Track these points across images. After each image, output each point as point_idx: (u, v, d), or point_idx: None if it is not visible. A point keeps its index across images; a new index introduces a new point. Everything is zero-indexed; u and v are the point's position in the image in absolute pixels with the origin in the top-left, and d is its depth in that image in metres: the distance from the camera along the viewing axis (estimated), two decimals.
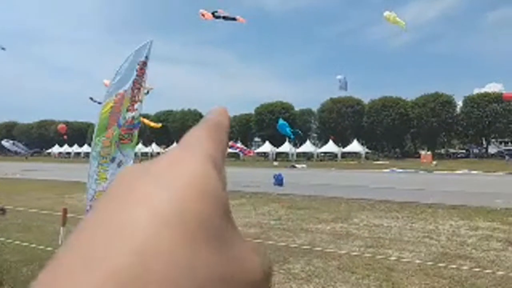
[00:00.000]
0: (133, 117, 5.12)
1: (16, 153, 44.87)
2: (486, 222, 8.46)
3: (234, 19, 12.05)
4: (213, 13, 12.31)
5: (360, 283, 4.59)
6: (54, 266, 0.17)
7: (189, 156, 0.23)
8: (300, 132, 67.20)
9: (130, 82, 4.99)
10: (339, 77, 22.28)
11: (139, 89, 5.10)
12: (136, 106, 5.11)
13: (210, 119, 0.30)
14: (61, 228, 4.84)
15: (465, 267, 5.03)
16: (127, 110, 5.08)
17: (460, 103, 68.88)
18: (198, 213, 0.19)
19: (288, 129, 25.79)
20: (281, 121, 25.94)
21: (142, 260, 0.16)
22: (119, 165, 5.11)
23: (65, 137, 73.82)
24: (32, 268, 5.18)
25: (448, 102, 67.48)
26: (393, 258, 5.57)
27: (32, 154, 44.60)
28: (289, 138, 44.62)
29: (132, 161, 5.27)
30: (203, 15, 12.36)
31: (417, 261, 5.38)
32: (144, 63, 5.09)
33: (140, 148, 70.75)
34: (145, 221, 0.18)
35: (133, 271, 0.16)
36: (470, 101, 66.68)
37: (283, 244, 6.42)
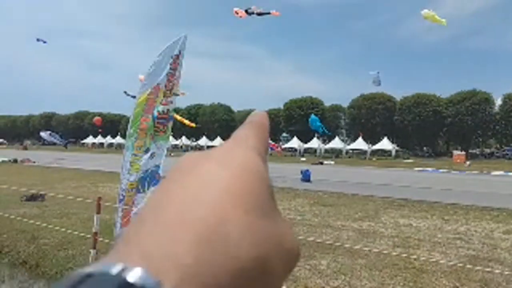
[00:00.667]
0: (167, 110, 5.26)
1: (53, 144, 46.86)
2: None
3: (268, 13, 12.00)
4: (246, 11, 12.33)
5: (388, 283, 4.55)
6: (142, 222, 0.21)
7: (240, 147, 0.28)
8: (328, 131, 66.48)
9: (164, 75, 5.12)
10: (372, 72, 21.82)
11: (173, 82, 5.22)
12: (170, 99, 5.24)
13: (254, 121, 0.35)
14: (95, 216, 5.06)
15: (496, 271, 4.88)
16: (161, 103, 5.22)
17: (499, 101, 65.87)
18: (253, 189, 0.23)
19: (318, 124, 25.65)
20: (313, 116, 25.85)
21: (217, 220, 0.20)
22: (152, 156, 5.27)
23: (100, 130, 76.28)
24: (67, 253, 5.45)
25: (486, 100, 64.72)
26: (422, 258, 5.47)
27: (66, 145, 46.23)
28: (318, 133, 44.21)
29: (165, 153, 5.42)
30: (237, 12, 12.40)
31: (447, 263, 5.26)
32: (178, 57, 5.20)
33: (170, 140, 72.10)
34: (213, 192, 0.22)
35: (213, 229, 0.20)
36: (509, 99, 63.69)
37: (309, 239, 6.42)
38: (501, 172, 29.34)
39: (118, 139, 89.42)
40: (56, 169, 21.33)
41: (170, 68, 5.20)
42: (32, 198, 9.89)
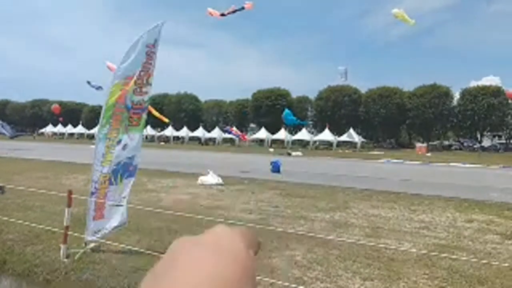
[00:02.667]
0: (142, 100, 5.10)
1: (2, 134, 44.69)
2: (481, 215, 8.59)
3: (242, 8, 11.87)
4: (221, 14, 12.18)
5: (362, 272, 4.67)
6: None
7: (230, 235, 0.32)
8: (306, 122, 67.11)
9: (139, 65, 4.95)
10: (340, 67, 22.14)
11: (148, 72, 5.06)
12: (145, 89, 5.08)
13: (243, 230, 0.38)
14: (66, 209, 4.85)
15: (463, 258, 5.12)
16: (135, 93, 5.05)
17: (457, 95, 68.95)
18: (241, 279, 0.28)
19: (292, 118, 25.76)
20: (287, 110, 25.94)
21: None
22: (124, 148, 5.11)
23: (60, 118, 73.02)
24: (35, 248, 5.21)
25: (445, 94, 67.53)
26: (392, 248, 5.65)
27: (13, 137, 44.02)
28: (294, 125, 44.51)
29: (140, 144, 5.27)
30: (211, 14, 12.19)
31: (416, 252, 5.47)
32: (153, 46, 5.04)
33: None
34: (200, 277, 0.26)
35: None
36: (467, 93, 66.78)
37: (283, 231, 6.48)
38: (459, 164, 30.83)
39: (80, 129, 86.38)
40: (13, 160, 20.30)
41: (145, 58, 5.03)
42: None
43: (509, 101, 52.23)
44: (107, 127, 4.88)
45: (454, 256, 5.25)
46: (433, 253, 5.34)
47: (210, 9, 12.31)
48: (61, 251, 4.80)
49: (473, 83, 70.96)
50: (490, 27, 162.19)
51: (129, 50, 4.84)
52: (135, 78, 4.94)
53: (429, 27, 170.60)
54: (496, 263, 5.01)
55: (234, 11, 11.91)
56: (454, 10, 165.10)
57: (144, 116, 5.25)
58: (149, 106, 5.51)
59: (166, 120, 24.39)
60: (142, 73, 5.01)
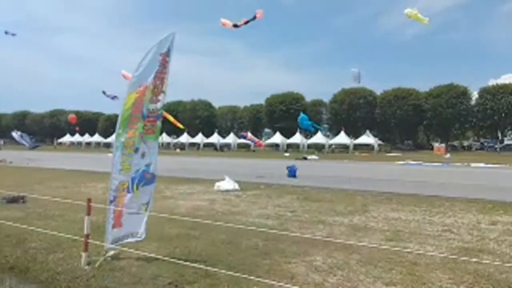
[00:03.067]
0: (156, 108, 5.14)
1: (22, 144, 45.88)
2: (506, 217, 8.36)
3: (254, 18, 12.05)
4: (234, 25, 12.38)
5: (384, 277, 4.57)
6: None
7: None
8: (321, 127, 66.94)
9: (154, 73, 5.00)
10: (354, 69, 21.97)
11: (162, 80, 5.10)
12: (159, 97, 5.13)
13: None
14: (86, 217, 4.91)
15: (489, 262, 4.96)
16: (150, 102, 5.09)
17: (475, 95, 67.53)
18: None
19: (308, 123, 25.68)
20: (302, 114, 25.90)
21: None
22: (142, 156, 5.16)
23: (77, 128, 74.37)
24: (57, 256, 5.27)
25: (463, 94, 66.32)
26: (414, 252, 5.53)
27: (33, 148, 45.10)
28: (309, 131, 44.41)
29: (156, 152, 5.30)
30: (224, 24, 12.37)
31: (439, 255, 5.33)
32: (167, 55, 5.08)
33: None
34: None
35: None
36: (485, 92, 65.39)
37: (302, 236, 6.42)
38: (481, 164, 30.12)
39: (97, 138, 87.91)
40: (34, 169, 20.77)
41: (159, 66, 5.08)
42: (13, 200, 9.56)
43: None
44: (124, 136, 4.93)
45: (479, 260, 5.11)
46: (458, 257, 5.20)
47: (223, 20, 12.46)
48: (82, 259, 4.85)
49: (492, 82, 69.46)
50: (506, 25, 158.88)
51: (143, 59, 4.90)
52: (150, 86, 4.99)
53: (444, 26, 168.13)
54: None
55: (246, 22, 12.04)
56: (468, 8, 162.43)
57: (159, 123, 5.29)
58: (164, 112, 5.54)
59: (181, 125, 24.62)
60: (156, 82, 5.05)
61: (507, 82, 66.60)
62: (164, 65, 5.09)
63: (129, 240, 5.27)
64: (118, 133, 4.95)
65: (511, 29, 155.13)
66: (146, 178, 5.24)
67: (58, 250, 5.48)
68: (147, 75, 4.95)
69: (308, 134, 73.08)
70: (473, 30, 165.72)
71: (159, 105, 5.18)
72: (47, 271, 4.80)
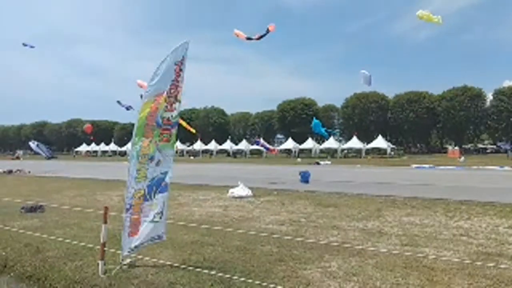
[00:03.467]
0: (172, 117, 5.21)
1: (39, 154, 46.64)
2: None
3: (267, 32, 12.35)
4: (248, 38, 12.67)
5: (401, 282, 4.52)
6: None
7: None
8: (335, 132, 66.78)
9: (169, 82, 5.08)
10: (363, 71, 21.89)
11: (177, 89, 5.17)
12: (174, 106, 5.20)
13: None
14: (103, 226, 4.98)
15: (508, 267, 4.87)
16: (165, 110, 5.17)
17: (490, 96, 66.46)
18: None
19: (322, 129, 25.67)
20: (315, 120, 25.88)
21: None
22: (157, 164, 5.22)
23: (91, 137, 75.48)
24: (74, 264, 5.35)
25: (477, 96, 65.40)
26: (431, 256, 5.45)
27: (49, 158, 45.77)
28: (324, 137, 44.43)
29: (172, 160, 5.36)
30: (237, 35, 12.62)
31: (457, 260, 5.25)
32: (181, 63, 5.16)
33: None
34: None
35: None
36: (500, 93, 64.30)
37: (316, 241, 6.40)
38: (496, 167, 29.55)
39: (112, 147, 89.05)
40: (52, 179, 21.11)
41: (174, 75, 5.15)
42: (32, 209, 9.75)
43: None
44: (140, 144, 5.00)
45: (499, 265, 5.02)
46: (476, 262, 5.12)
47: (236, 31, 12.67)
48: (99, 267, 4.92)
49: (507, 83, 68.25)
50: None
51: (158, 68, 4.98)
52: (165, 95, 5.07)
53: (458, 27, 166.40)
54: None
55: (260, 37, 12.29)
56: (482, 9, 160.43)
57: (174, 131, 5.35)
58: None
59: (194, 131, 24.83)
60: (171, 90, 5.12)
61: None
62: (178, 74, 5.16)
63: (149, 243, 5.33)
64: (134, 141, 5.03)
65: None
66: (162, 186, 5.30)
67: (76, 259, 5.57)
68: (163, 85, 5.03)
69: (320, 139, 72.79)
70: (486, 31, 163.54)
71: (174, 113, 5.24)
72: (65, 280, 4.88)
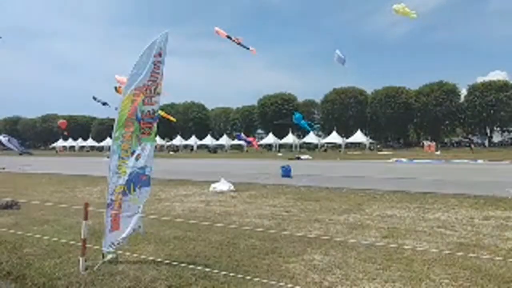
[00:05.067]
0: (152, 110, 5.13)
1: (10, 149, 45.03)
2: (499, 211, 8.48)
3: (247, 48, 12.58)
4: (228, 36, 12.71)
5: (382, 274, 4.61)
6: None
7: None
8: (318, 126, 67.36)
9: (148, 75, 4.99)
10: (337, 51, 22.02)
11: (156, 81, 5.09)
12: (154, 99, 5.11)
13: None
14: (83, 222, 4.87)
15: (484, 257, 5.04)
16: (145, 104, 5.08)
17: (464, 92, 68.37)
18: None
19: (304, 122, 25.93)
20: (297, 114, 26.12)
21: None
22: (136, 158, 5.13)
23: (65, 132, 73.69)
24: (54, 261, 5.23)
25: (452, 91, 67.17)
26: (410, 248, 5.59)
27: (22, 153, 44.28)
28: (306, 129, 44.85)
29: (152, 154, 5.28)
30: (217, 32, 12.65)
31: (435, 251, 5.39)
32: (160, 55, 5.07)
33: None
34: None
35: None
36: (474, 89, 66.22)
37: (299, 235, 6.45)
38: (470, 160, 30.48)
39: (90, 142, 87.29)
40: (28, 175, 20.53)
41: (153, 68, 5.06)
42: (7, 206, 9.45)
43: None
44: (120, 139, 4.91)
45: (474, 256, 5.18)
46: (454, 252, 5.27)
47: (217, 29, 12.69)
48: (80, 264, 4.82)
49: (480, 79, 70.29)
50: (493, 23, 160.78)
51: (137, 62, 4.88)
52: (144, 88, 4.98)
53: (432, 24, 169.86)
54: None
55: (239, 43, 12.41)
56: (456, 7, 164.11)
57: (155, 125, 5.27)
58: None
59: (173, 119, 24.57)
60: (150, 83, 5.03)
61: (494, 79, 67.53)
62: (158, 66, 5.08)
63: (128, 237, 5.24)
64: (115, 136, 4.93)
65: (497, 27, 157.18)
66: (142, 180, 5.21)
67: (55, 256, 5.44)
68: (142, 77, 4.94)
69: (300, 134, 73.31)
70: (460, 29, 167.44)
71: (155, 107, 5.16)
72: (44, 277, 4.76)
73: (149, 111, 5.11)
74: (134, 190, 5.16)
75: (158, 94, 5.22)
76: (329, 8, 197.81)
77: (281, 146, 67.71)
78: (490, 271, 4.64)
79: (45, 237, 6.26)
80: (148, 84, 5.04)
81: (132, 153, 5.02)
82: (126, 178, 5.05)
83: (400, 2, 12.36)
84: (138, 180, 5.17)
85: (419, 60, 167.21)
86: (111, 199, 4.91)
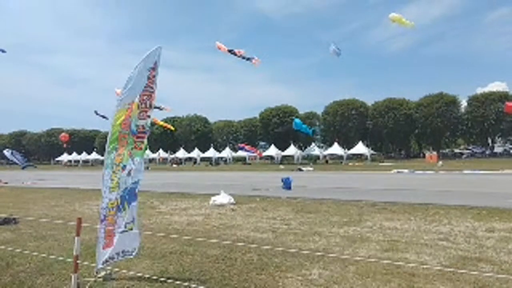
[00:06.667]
0: (146, 124, 5.08)
1: (14, 163, 45.11)
2: (502, 223, 8.32)
3: (249, 59, 12.53)
4: (229, 50, 12.74)
5: None
6: None
7: None
8: (317, 129, 67.48)
9: (142, 89, 4.95)
10: (332, 45, 21.95)
11: (150, 96, 5.05)
12: (148, 113, 5.07)
13: None
14: (76, 238, 4.77)
15: (488, 272, 4.90)
16: (140, 118, 5.04)
17: (464, 103, 68.48)
18: None
19: (305, 126, 25.89)
20: (296, 120, 26.09)
21: None
22: (129, 173, 5.05)
23: (64, 145, 73.83)
24: (46, 279, 5.13)
25: (453, 102, 67.22)
26: (412, 262, 5.45)
27: (24, 167, 44.17)
28: (309, 134, 44.92)
29: (142, 169, 5.20)
30: (219, 47, 12.67)
31: (437, 266, 5.26)
32: (154, 69, 5.04)
33: (147, 154, 70.92)
34: None
35: None
36: (474, 100, 66.30)
37: (297, 249, 6.33)
38: (472, 171, 30.24)
39: (94, 156, 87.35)
40: (29, 190, 20.45)
41: (147, 82, 5.03)
42: (5, 222, 9.37)
43: None
44: (114, 153, 4.85)
45: (477, 271, 5.05)
46: (456, 267, 5.14)
47: (218, 44, 12.72)
48: (72, 281, 4.71)
49: (480, 90, 70.40)
50: (492, 35, 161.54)
51: (131, 75, 4.85)
52: (138, 102, 4.94)
53: (431, 36, 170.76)
54: None
55: (241, 56, 12.40)
56: (455, 19, 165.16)
57: (146, 140, 5.22)
58: (155, 118, 5.47)
59: (172, 128, 24.55)
60: (145, 97, 5.00)
61: (494, 90, 67.61)
62: (151, 80, 5.04)
63: (121, 258, 5.13)
64: (108, 150, 4.87)
65: (496, 39, 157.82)
66: (133, 195, 5.13)
67: (48, 273, 5.33)
68: (136, 91, 4.90)
69: (302, 145, 73.14)
70: (460, 41, 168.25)
71: (148, 121, 5.12)
72: None
73: (142, 125, 5.07)
74: (128, 206, 5.07)
75: (151, 107, 5.18)
76: (329, 21, 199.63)
77: (283, 157, 67.56)
78: (494, 285, 4.51)
79: (40, 254, 6.17)
80: (142, 97, 5.00)
81: (123, 168, 4.95)
82: (121, 193, 4.97)
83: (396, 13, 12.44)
84: (131, 195, 5.09)
85: (419, 72, 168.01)
86: (104, 215, 4.82)
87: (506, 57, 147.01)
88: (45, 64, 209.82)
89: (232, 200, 12.53)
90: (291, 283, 4.79)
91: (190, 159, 78.18)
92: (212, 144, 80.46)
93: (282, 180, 17.85)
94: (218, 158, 74.04)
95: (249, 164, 65.65)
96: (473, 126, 65.74)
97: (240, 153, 69.32)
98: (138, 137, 5.03)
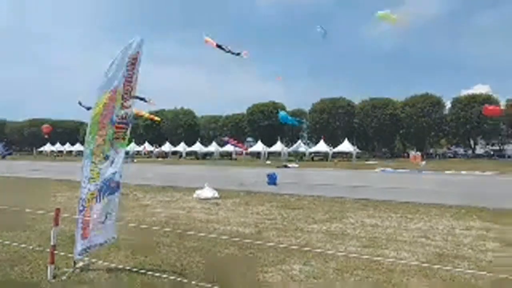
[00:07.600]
0: (126, 114, 5.00)
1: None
2: (479, 222, 8.50)
3: (238, 54, 12.50)
4: (218, 45, 12.65)
5: (360, 285, 4.52)
6: None
7: None
8: (303, 121, 67.73)
9: (121, 78, 4.86)
10: (318, 27, 22.00)
11: (131, 85, 4.96)
12: (129, 102, 4.98)
13: None
14: (53, 228, 4.69)
15: (464, 269, 5.00)
16: (121, 107, 4.95)
17: (448, 104, 69.58)
18: None
19: (291, 119, 25.98)
20: (281, 112, 26.17)
21: None
22: (111, 163, 4.98)
23: (46, 136, 72.58)
24: (22, 269, 5.02)
25: (437, 103, 68.18)
26: (391, 258, 5.52)
27: (4, 156, 43.33)
28: (294, 125, 45.27)
29: (122, 159, 5.13)
30: (207, 41, 12.56)
31: (416, 262, 5.33)
32: (135, 59, 4.95)
33: (133, 146, 70.15)
34: None
35: None
36: (458, 102, 67.40)
37: (279, 244, 6.33)
38: (454, 171, 30.82)
39: (78, 147, 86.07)
40: (8, 179, 20.03)
41: (127, 71, 4.94)
42: None
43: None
44: (94, 143, 4.77)
45: (454, 267, 5.13)
46: (433, 263, 5.22)
47: (207, 38, 12.61)
48: (48, 271, 4.62)
49: (464, 92, 71.60)
50: (477, 38, 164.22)
51: (111, 64, 4.76)
52: (120, 91, 4.86)
53: (417, 38, 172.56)
54: (501, 275, 4.87)
55: (229, 51, 12.33)
56: (442, 22, 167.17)
57: (129, 130, 5.14)
58: (140, 110, 5.41)
59: (158, 119, 24.31)
60: (126, 86, 4.91)
61: (478, 92, 68.85)
62: (132, 70, 4.95)
63: (98, 249, 5.06)
64: (88, 140, 4.78)
65: (481, 42, 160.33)
66: (111, 187, 5.04)
67: (24, 263, 5.22)
68: (115, 80, 4.81)
69: (289, 141, 73.39)
70: (446, 43, 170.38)
71: (129, 110, 5.04)
72: (11, 285, 4.55)
73: (122, 115, 4.98)
74: (106, 196, 5.00)
75: (132, 97, 5.10)
76: (317, 20, 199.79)
77: (269, 154, 67.65)
78: (470, 282, 4.60)
79: (15, 244, 6.03)
80: (123, 86, 4.91)
81: (106, 158, 4.87)
82: (100, 184, 4.89)
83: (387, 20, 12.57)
84: (108, 187, 5.01)
85: (406, 73, 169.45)
86: (83, 205, 4.74)
87: (491, 60, 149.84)
88: (26, 51, 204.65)
89: (216, 194, 12.49)
90: (272, 277, 4.80)
91: (176, 152, 77.64)
92: (198, 138, 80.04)
93: (268, 176, 17.87)
94: (205, 152, 73.69)
95: (236, 159, 65.59)
96: (456, 127, 66.87)
97: (227, 148, 69.22)
98: (118, 127, 4.95)
